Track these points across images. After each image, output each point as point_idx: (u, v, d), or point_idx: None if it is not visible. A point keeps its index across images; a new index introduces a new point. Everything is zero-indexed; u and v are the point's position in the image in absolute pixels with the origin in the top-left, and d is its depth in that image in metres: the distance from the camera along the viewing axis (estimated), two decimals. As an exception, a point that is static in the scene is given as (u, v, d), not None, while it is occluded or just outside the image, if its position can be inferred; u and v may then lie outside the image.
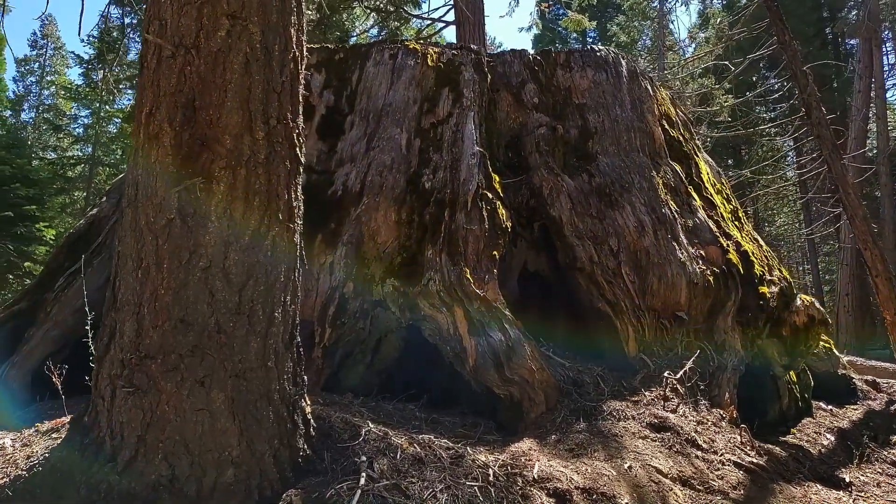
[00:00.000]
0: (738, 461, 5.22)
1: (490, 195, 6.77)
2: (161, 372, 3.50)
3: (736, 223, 8.69)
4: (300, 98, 4.09)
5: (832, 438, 6.81)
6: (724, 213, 8.38)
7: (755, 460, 5.34)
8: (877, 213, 25.22)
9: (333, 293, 6.17)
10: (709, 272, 6.89)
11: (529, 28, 33.55)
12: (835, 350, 8.54)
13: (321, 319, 6.09)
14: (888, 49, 33.57)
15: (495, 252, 6.40)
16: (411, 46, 7.98)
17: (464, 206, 6.54)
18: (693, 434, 5.35)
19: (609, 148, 7.70)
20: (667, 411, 5.62)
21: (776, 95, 23.79)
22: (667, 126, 8.63)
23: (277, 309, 3.88)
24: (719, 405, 6.02)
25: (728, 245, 7.17)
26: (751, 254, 7.18)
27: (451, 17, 18.85)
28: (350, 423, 4.77)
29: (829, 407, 7.78)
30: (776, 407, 7.09)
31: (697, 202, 7.63)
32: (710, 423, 5.67)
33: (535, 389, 5.60)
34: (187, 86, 3.55)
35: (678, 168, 7.88)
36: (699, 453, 5.19)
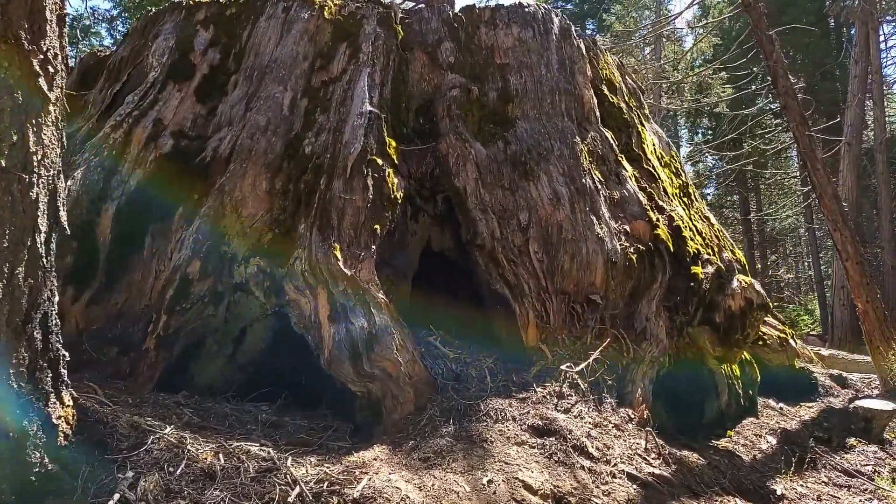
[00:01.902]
0: (635, 472, 4.29)
1: (381, 161, 5.85)
2: None
3: (683, 199, 7.74)
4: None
5: (773, 442, 5.88)
6: (669, 189, 7.43)
7: (658, 471, 4.41)
8: (875, 203, 24.13)
9: (174, 274, 5.26)
10: (632, 250, 5.95)
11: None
12: (792, 341, 7.60)
13: (157, 305, 5.19)
14: (886, 34, 32.32)
15: (377, 226, 5.48)
16: (309, -1, 7.06)
17: (343, 173, 5.62)
18: (584, 439, 4.43)
19: (530, 112, 6.77)
20: (558, 411, 4.69)
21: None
22: (606, 91, 7.68)
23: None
24: (630, 404, 5.09)
25: (658, 220, 6.22)
26: (685, 229, 6.24)
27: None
28: (139, 429, 3.88)
29: (780, 405, 6.85)
30: (714, 405, 6.16)
31: (628, 172, 6.68)
32: (610, 425, 4.74)
33: (400, 385, 4.69)
34: None
35: (609, 135, 6.93)
36: (587, 463, 4.27)
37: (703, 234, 7.40)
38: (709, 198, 36.36)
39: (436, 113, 6.80)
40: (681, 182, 7.95)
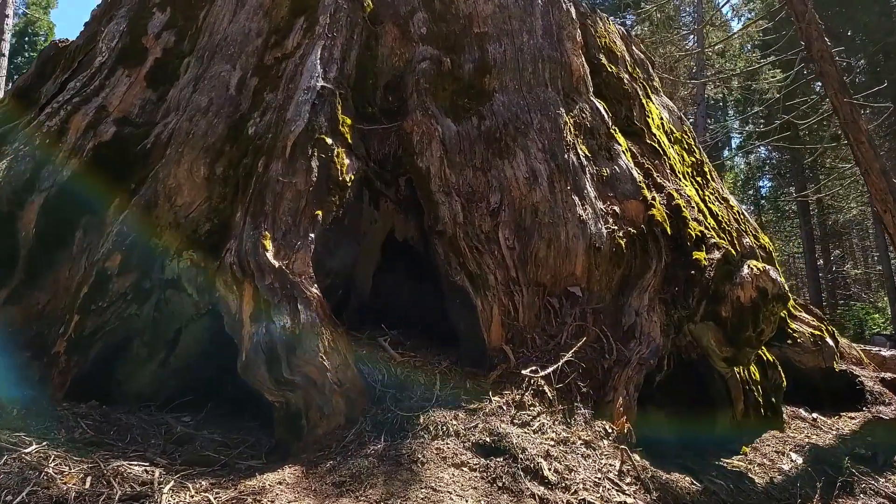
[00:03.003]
0: (599, 503, 3.48)
1: (330, 141, 5.18)
2: None
3: (696, 178, 6.83)
4: None
5: (798, 460, 4.93)
6: (678, 166, 6.53)
7: (630, 500, 3.58)
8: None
9: (91, 270, 4.71)
10: (621, 234, 5.11)
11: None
12: (829, 339, 6.57)
13: (71, 304, 4.64)
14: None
15: (319, 212, 4.81)
16: (267, -29, 6.46)
17: (282, 154, 4.97)
18: (540, 460, 3.63)
19: (509, 83, 6.00)
20: (513, 425, 3.91)
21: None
22: (605, 60, 6.84)
23: None
24: (608, 415, 4.26)
25: (655, 199, 5.35)
26: (686, 209, 5.33)
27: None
28: (-4, 447, 3.31)
29: (813, 415, 5.86)
30: (727, 415, 5.24)
31: (622, 146, 5.83)
32: (579, 441, 3.92)
33: (325, 395, 3.99)
34: None
35: (601, 107, 6.08)
36: (539, 490, 3.47)
37: (720, 217, 6.47)
38: (763, 191, 34.45)
39: (405, 89, 6.10)
40: (694, 160, 7.03)
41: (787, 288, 4.79)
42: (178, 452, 3.84)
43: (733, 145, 34.98)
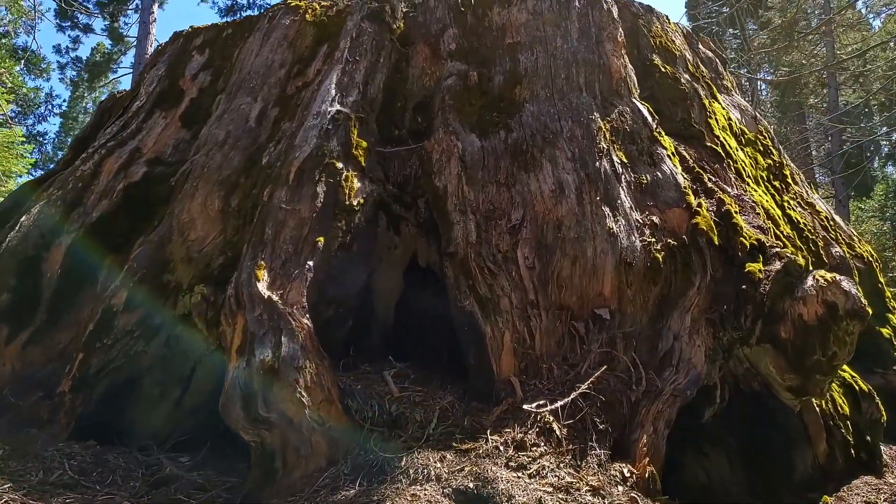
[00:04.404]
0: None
1: (340, 165, 4.95)
2: None
3: (773, 182, 5.99)
4: None
5: (895, 514, 3.98)
6: (749, 170, 5.75)
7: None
8: None
9: (97, 307, 4.68)
10: (658, 246, 4.45)
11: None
12: (950, 364, 5.43)
13: (77, 342, 4.62)
14: None
15: (320, 238, 4.55)
16: (294, 4, 6.44)
17: (286, 181, 4.78)
18: (531, 511, 3.09)
19: (540, 92, 5.53)
20: (507, 468, 3.38)
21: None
22: (658, 61, 6.21)
23: None
24: (631, 457, 3.61)
25: (701, 205, 4.65)
26: (736, 214, 4.57)
27: None
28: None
29: (925, 457, 4.79)
30: (806, 457, 4.37)
31: (667, 150, 5.16)
32: (585, 488, 3.31)
33: (303, 434, 3.65)
34: None
35: (645, 109, 5.45)
36: (519, 547, 2.93)
37: (801, 224, 5.62)
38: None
39: (433, 108, 5.79)
40: (770, 162, 6.18)
41: (864, 302, 3.92)
42: (150, 495, 3.63)
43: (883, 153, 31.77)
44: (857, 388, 4.68)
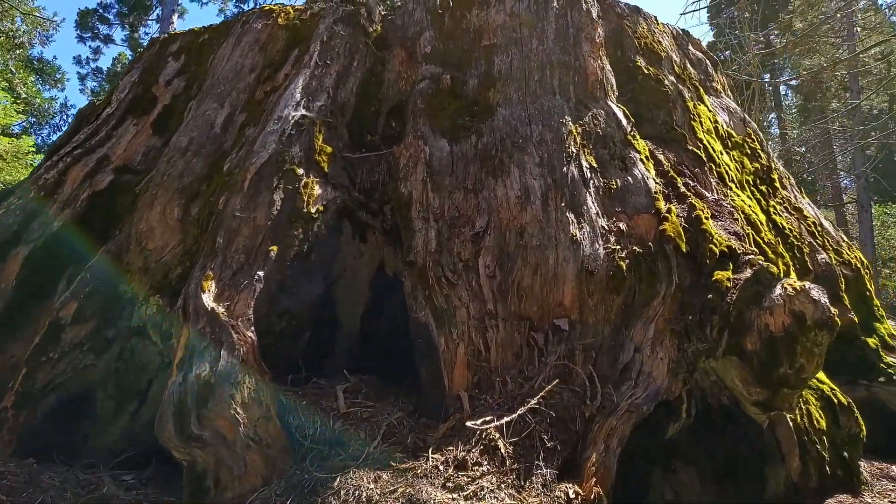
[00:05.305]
0: None
1: (301, 172, 4.80)
2: None
3: (759, 187, 5.74)
4: None
5: (874, 540, 3.71)
6: (731, 173, 5.50)
7: None
8: None
9: (45, 320, 4.56)
10: (623, 254, 4.22)
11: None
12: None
13: (22, 356, 4.51)
14: None
15: (274, 248, 4.39)
16: (268, 8, 6.32)
17: (241, 188, 4.64)
18: (461, 538, 2.89)
19: (513, 95, 5.34)
20: (443, 489, 3.18)
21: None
22: (642, 63, 5.99)
23: None
24: (579, 477, 3.39)
25: (671, 210, 4.41)
26: (706, 219, 4.33)
27: None
28: None
29: (913, 477, 4.51)
30: (778, 473, 4.12)
31: (641, 153, 4.94)
32: (525, 513, 3.10)
33: (237, 453, 3.48)
34: None
35: (620, 112, 5.24)
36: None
37: (787, 230, 5.37)
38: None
39: (406, 113, 5.64)
40: (758, 166, 5.92)
41: (833, 311, 3.66)
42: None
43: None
44: (835, 401, 4.41)
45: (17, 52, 23.23)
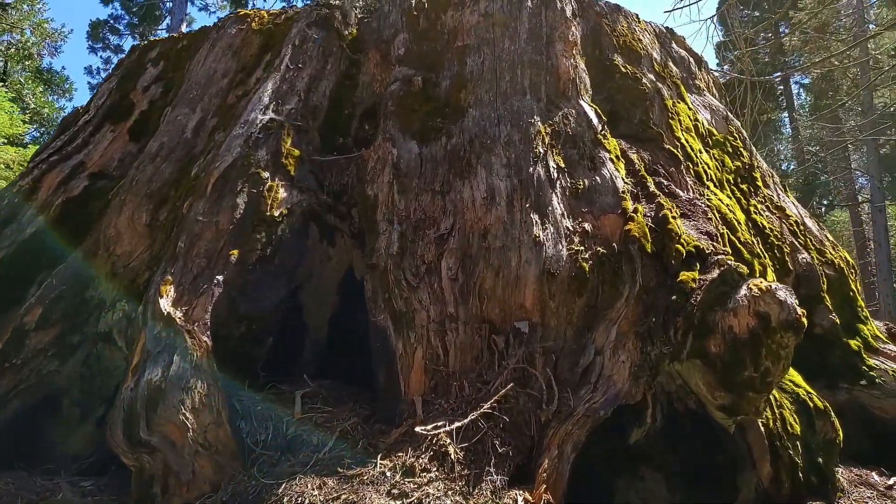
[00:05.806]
0: None
1: (266, 175, 4.77)
2: None
3: (740, 186, 5.63)
4: None
5: (843, 547, 3.59)
6: (710, 172, 5.40)
7: None
8: None
9: (8, 325, 4.55)
10: (587, 255, 4.14)
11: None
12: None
13: (-11, 361, 4.50)
14: None
15: (234, 252, 4.36)
16: (242, 13, 6.32)
17: (204, 192, 4.62)
18: (400, 545, 2.82)
19: (484, 95, 5.28)
20: (389, 496, 3.12)
21: None
22: (620, 62, 5.90)
23: None
24: (531, 484, 3.31)
25: (637, 210, 4.33)
26: (673, 219, 4.23)
27: None
28: None
29: (891, 481, 4.37)
30: (749, 479, 4.01)
31: (611, 153, 4.86)
32: (470, 521, 3.03)
33: (185, 459, 3.44)
34: None
35: (591, 111, 5.16)
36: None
37: (767, 230, 5.25)
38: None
39: (378, 115, 5.59)
40: (739, 164, 5.81)
41: (799, 312, 3.56)
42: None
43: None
44: (811, 405, 4.28)
45: (27, 63, 23.53)
